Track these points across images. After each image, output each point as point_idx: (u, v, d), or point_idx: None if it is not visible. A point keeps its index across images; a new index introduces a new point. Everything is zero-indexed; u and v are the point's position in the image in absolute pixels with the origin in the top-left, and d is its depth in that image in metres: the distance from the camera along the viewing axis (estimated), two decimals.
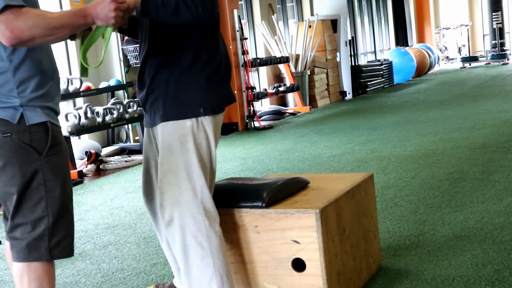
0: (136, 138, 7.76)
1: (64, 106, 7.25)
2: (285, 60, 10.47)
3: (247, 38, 9.31)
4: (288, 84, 10.63)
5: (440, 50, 20.56)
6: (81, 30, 2.12)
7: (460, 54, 20.62)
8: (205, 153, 2.37)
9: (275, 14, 11.20)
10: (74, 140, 6.98)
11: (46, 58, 2.08)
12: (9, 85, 1.98)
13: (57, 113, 2.12)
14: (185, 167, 2.34)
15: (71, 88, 6.74)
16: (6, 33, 1.85)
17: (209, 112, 2.36)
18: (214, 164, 2.43)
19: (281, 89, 10.33)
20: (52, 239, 2.03)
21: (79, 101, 7.42)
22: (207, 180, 2.38)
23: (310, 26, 11.37)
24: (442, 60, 20.29)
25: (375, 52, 16.18)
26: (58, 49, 7.13)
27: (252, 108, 9.14)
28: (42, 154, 2.01)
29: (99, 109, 6.85)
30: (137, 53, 7.45)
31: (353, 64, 12.79)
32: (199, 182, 2.35)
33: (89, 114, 6.62)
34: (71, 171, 6.11)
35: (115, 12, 2.02)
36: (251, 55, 10.31)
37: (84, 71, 2.23)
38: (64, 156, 2.10)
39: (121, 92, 7.80)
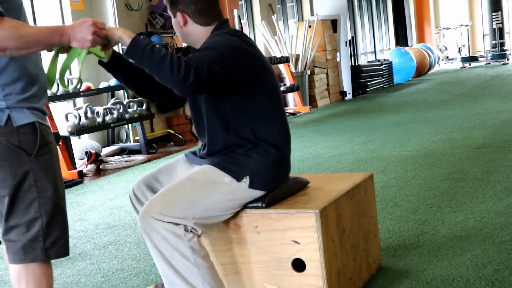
0: (136, 138, 7.76)
1: (64, 106, 7.26)
2: (285, 60, 10.48)
3: None
4: (288, 84, 10.63)
5: (440, 50, 20.56)
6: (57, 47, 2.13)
7: (460, 54, 20.62)
8: (220, 207, 2.38)
9: (275, 14, 11.20)
10: (74, 140, 6.98)
11: (32, 60, 2.06)
12: None
13: (45, 113, 2.11)
14: (192, 199, 2.32)
15: (71, 88, 6.73)
16: None
17: (254, 186, 2.41)
18: (217, 218, 2.41)
19: (281, 89, 10.32)
20: (47, 240, 2.02)
21: (79, 101, 7.42)
22: (205, 220, 2.35)
23: (310, 26, 11.37)
24: (442, 60, 20.29)
25: (375, 52, 16.18)
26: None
27: None
28: (31, 154, 1.99)
29: (99, 109, 6.85)
30: None
31: (353, 64, 12.79)
32: (194, 211, 2.31)
33: (89, 114, 6.62)
34: (71, 171, 6.16)
35: (93, 36, 2.05)
36: None
37: (49, 84, 2.20)
38: (54, 155, 2.08)
39: (121, 92, 7.80)
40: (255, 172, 2.41)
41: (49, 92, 2.40)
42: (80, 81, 1.96)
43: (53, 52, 2.19)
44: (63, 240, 2.08)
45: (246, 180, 2.40)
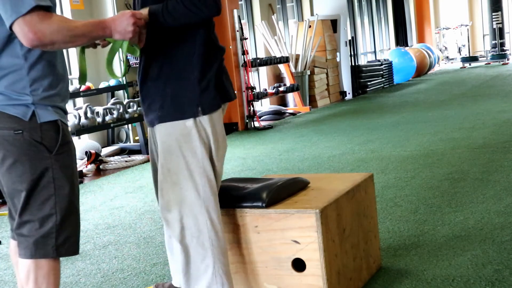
0: (136, 138, 7.75)
1: None
2: (285, 60, 10.48)
3: (247, 38, 9.31)
4: (288, 84, 10.64)
5: (440, 50, 20.55)
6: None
7: (460, 54, 20.62)
8: (206, 152, 2.36)
9: (275, 14, 11.20)
10: (74, 140, 6.96)
11: (60, 60, 2.11)
12: (22, 82, 2.01)
13: (66, 113, 2.16)
14: (186, 167, 2.34)
15: (71, 88, 6.74)
16: (29, 35, 1.88)
17: (207, 111, 2.35)
18: (217, 162, 2.40)
19: (281, 89, 10.33)
20: (59, 237, 2.05)
21: (79, 101, 7.43)
22: (210, 179, 2.36)
23: (310, 26, 11.37)
24: (442, 60, 20.28)
25: (375, 52, 16.18)
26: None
27: (252, 108, 9.14)
28: (52, 152, 2.03)
29: (99, 109, 6.85)
30: None
31: (353, 64, 12.79)
32: (201, 182, 2.34)
33: (89, 114, 6.62)
34: None
35: (133, 26, 2.10)
36: (251, 55, 10.32)
37: (83, 78, 2.29)
38: (73, 155, 2.13)
39: (121, 92, 7.80)
40: (200, 99, 2.33)
41: None
42: (127, 68, 2.06)
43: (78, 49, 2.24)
44: (74, 238, 2.11)
45: (200, 110, 2.33)
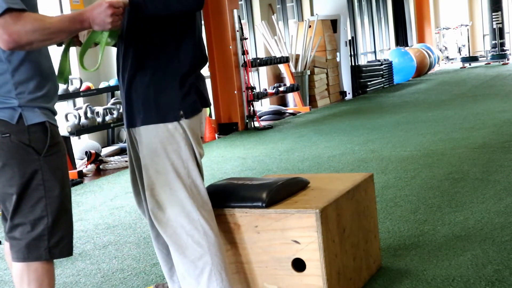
0: None
1: (64, 106, 7.26)
2: (285, 60, 10.47)
3: (247, 38, 9.31)
4: (288, 84, 10.63)
5: (440, 50, 20.55)
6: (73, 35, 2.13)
7: (460, 54, 20.62)
8: (190, 153, 2.37)
9: (275, 14, 11.20)
10: (74, 140, 6.97)
11: (45, 60, 2.09)
12: (7, 86, 1.99)
13: (54, 113, 2.13)
14: (172, 168, 2.34)
15: (71, 88, 6.74)
16: (4, 37, 1.85)
17: (189, 115, 2.37)
18: (200, 161, 2.43)
19: (281, 89, 10.33)
20: (52, 239, 2.04)
21: (79, 101, 7.42)
22: (196, 178, 2.38)
23: (310, 26, 11.37)
24: (442, 60, 20.28)
25: (375, 52, 16.18)
26: (57, 49, 7.11)
27: (252, 108, 9.14)
28: (41, 154, 2.02)
29: (99, 109, 6.85)
30: None
31: (353, 64, 12.79)
32: (188, 181, 2.35)
33: (89, 114, 6.62)
34: (71, 171, 6.16)
35: (112, 17, 2.03)
36: (251, 55, 10.32)
37: (60, 77, 2.20)
38: (62, 156, 2.10)
39: None
40: (182, 103, 2.34)
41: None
42: (101, 63, 2.00)
43: (63, 47, 2.20)
44: (67, 240, 2.10)
45: (182, 114, 2.35)
